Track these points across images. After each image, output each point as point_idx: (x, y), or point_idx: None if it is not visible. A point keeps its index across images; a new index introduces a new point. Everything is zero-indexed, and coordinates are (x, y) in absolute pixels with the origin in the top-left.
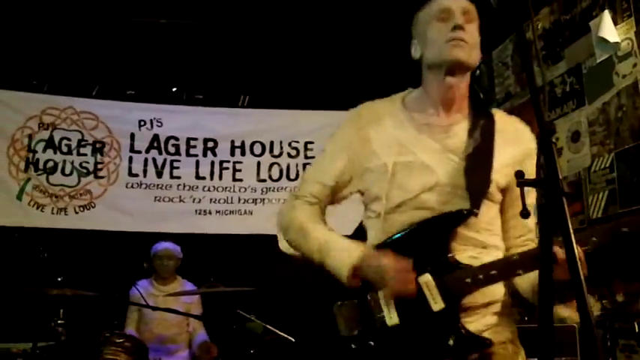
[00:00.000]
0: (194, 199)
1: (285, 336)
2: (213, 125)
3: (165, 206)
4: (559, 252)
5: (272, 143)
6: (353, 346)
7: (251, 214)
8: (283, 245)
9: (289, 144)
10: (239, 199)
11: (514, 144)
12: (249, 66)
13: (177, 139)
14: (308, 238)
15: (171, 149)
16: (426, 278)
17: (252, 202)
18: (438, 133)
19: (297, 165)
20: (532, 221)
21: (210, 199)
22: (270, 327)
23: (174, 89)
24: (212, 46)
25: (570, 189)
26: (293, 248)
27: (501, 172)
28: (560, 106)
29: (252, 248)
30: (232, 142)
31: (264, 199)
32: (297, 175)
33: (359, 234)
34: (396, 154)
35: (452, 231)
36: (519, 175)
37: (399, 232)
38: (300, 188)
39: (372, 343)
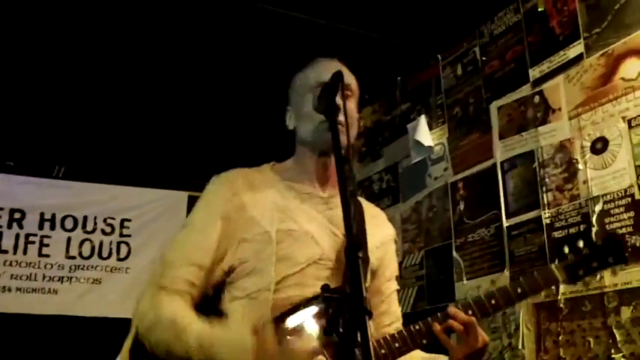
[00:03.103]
0: None
1: None
2: (23, 195)
3: None
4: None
5: (85, 218)
6: None
7: (56, 293)
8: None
9: (104, 220)
10: (43, 277)
11: (378, 228)
12: (67, 135)
13: None
14: (183, 334)
15: None
16: None
17: (59, 280)
18: (319, 204)
19: (110, 243)
20: (398, 309)
21: (12, 275)
22: None
23: None
24: (27, 110)
25: None
26: (160, 352)
27: (374, 254)
28: (377, 202)
29: (55, 330)
30: (42, 214)
31: (71, 278)
32: (110, 254)
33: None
34: (278, 220)
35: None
36: (325, 288)
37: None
38: (163, 275)
39: None
